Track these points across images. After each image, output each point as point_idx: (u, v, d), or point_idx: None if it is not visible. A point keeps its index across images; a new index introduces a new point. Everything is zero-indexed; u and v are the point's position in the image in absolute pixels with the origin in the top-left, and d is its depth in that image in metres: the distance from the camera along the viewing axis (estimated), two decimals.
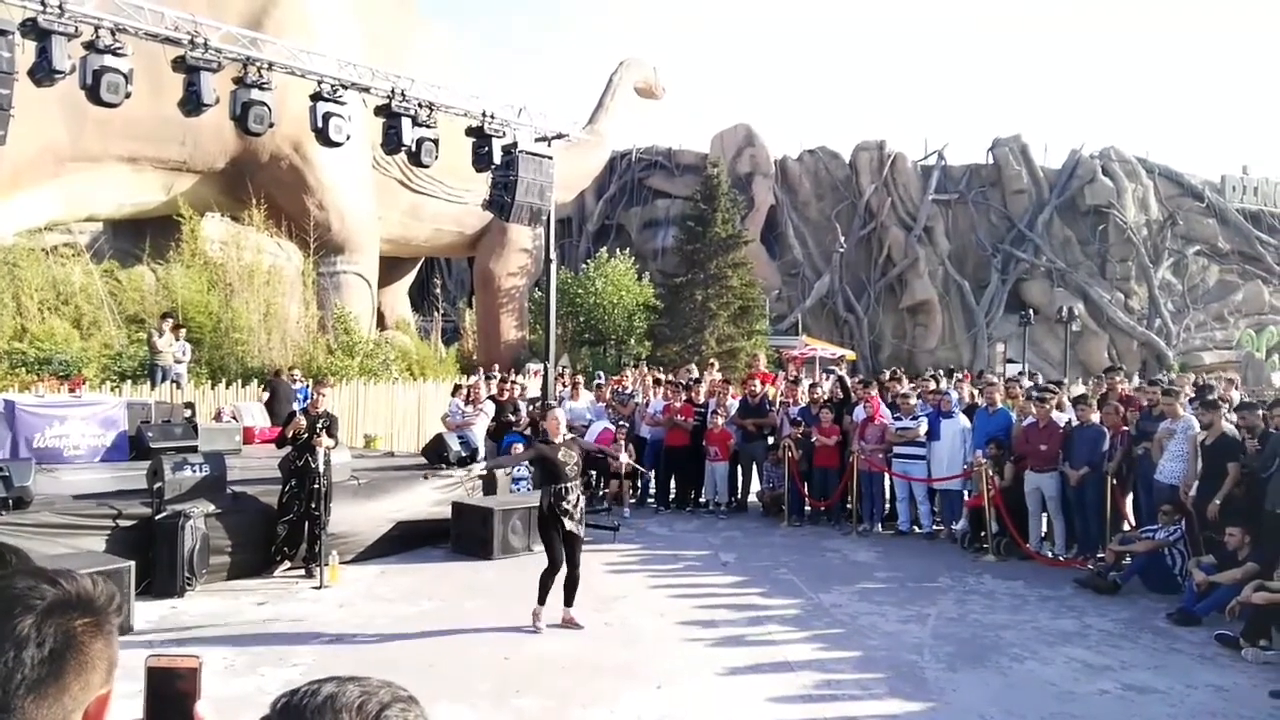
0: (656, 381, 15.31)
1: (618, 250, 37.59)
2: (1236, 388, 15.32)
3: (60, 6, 9.47)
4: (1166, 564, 8.94)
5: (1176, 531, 8.96)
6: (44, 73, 9.54)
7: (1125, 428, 10.44)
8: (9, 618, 1.14)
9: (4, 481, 8.05)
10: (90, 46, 9.86)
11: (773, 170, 45.73)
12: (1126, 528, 10.14)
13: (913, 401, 12.12)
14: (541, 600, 7.49)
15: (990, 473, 10.51)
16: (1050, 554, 10.56)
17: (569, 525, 7.44)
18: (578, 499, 7.61)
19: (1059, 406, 11.19)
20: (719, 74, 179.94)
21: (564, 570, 7.55)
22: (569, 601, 7.64)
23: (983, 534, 10.72)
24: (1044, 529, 10.84)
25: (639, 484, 13.91)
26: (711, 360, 21.33)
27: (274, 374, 16.24)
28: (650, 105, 33.34)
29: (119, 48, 10.00)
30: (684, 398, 13.82)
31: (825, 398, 13.24)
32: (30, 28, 9.36)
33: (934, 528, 11.87)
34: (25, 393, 12.69)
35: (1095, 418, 10.38)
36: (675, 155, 47.99)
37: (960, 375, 17.90)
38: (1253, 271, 45.34)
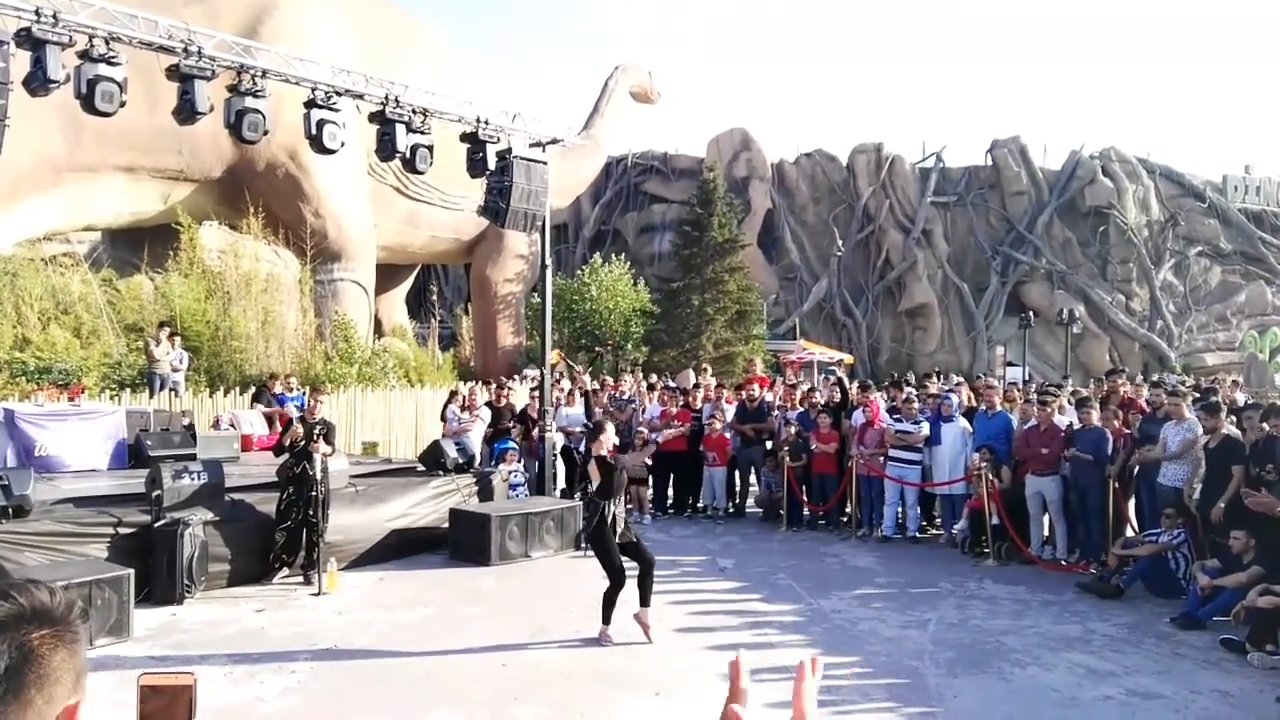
0: (650, 387, 15.26)
1: (614, 255, 37.54)
2: (1241, 389, 15.35)
3: (54, 16, 9.44)
4: (1170, 568, 8.90)
5: (1180, 535, 8.92)
6: (39, 82, 9.51)
7: (1128, 431, 10.40)
8: None
9: (3, 490, 8.06)
10: (84, 56, 9.81)
11: (769, 174, 45.69)
12: (1129, 532, 10.09)
13: (915, 406, 12.07)
14: (607, 620, 7.36)
15: (989, 475, 10.47)
16: (1052, 558, 10.52)
17: (619, 538, 7.40)
18: (624, 512, 7.62)
19: (1060, 409, 11.15)
20: (715, 77, 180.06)
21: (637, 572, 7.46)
22: (645, 602, 7.44)
23: (983, 538, 10.67)
24: (1045, 533, 10.79)
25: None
26: (704, 365, 21.29)
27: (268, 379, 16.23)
28: (646, 109, 33.30)
29: (113, 57, 9.96)
30: (681, 403, 13.78)
31: (823, 402, 13.20)
32: (25, 37, 9.32)
33: (918, 533, 11.81)
34: (24, 401, 12.66)
35: (1097, 419, 10.34)
36: (671, 160, 47.89)
37: (958, 380, 17.86)
38: (1255, 272, 45.22)
